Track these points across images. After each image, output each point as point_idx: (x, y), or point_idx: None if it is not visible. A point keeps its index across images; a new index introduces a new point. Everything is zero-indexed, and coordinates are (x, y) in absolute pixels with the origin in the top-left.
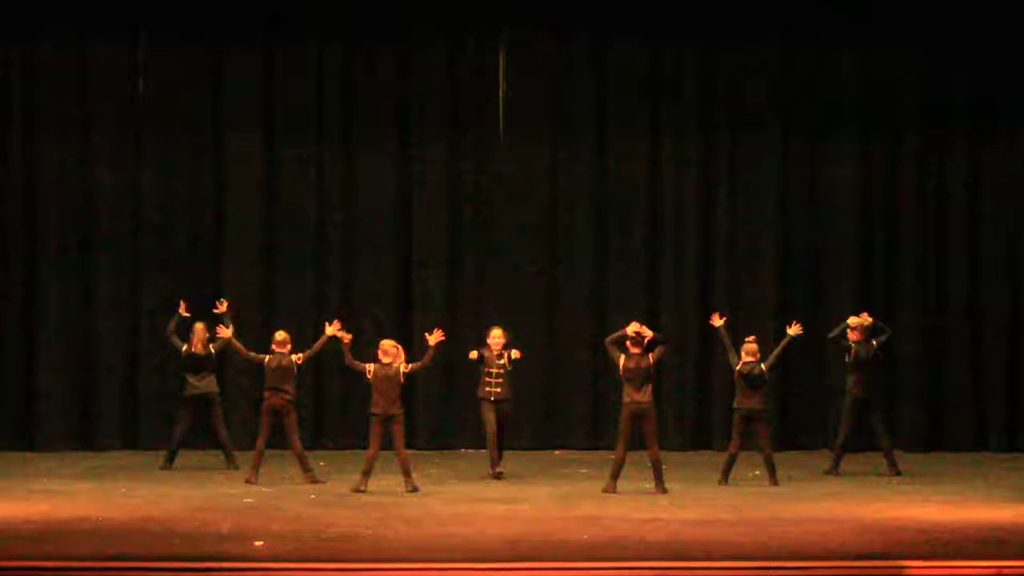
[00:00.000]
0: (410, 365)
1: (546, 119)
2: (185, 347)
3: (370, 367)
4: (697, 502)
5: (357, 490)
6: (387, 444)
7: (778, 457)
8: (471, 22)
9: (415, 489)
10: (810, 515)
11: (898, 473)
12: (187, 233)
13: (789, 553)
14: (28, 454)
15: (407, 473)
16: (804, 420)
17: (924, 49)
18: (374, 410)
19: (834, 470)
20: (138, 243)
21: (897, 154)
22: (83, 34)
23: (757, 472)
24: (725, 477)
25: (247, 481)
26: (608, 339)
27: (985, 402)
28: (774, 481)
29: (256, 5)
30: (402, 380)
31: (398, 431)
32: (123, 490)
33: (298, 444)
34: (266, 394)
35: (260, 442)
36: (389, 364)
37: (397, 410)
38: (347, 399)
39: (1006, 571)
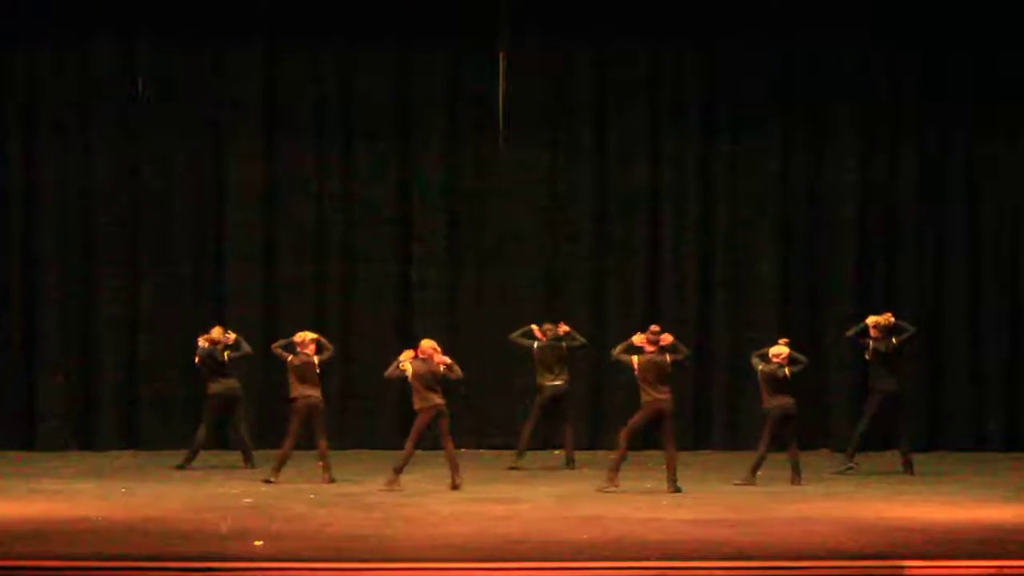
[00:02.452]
0: (446, 370)
1: (546, 119)
2: (213, 340)
3: (408, 369)
4: (697, 502)
5: (392, 484)
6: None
7: (777, 457)
8: (471, 22)
9: (456, 487)
10: (810, 515)
11: (911, 473)
12: (187, 233)
13: (789, 553)
14: (28, 454)
15: (455, 468)
16: (804, 420)
17: (924, 49)
18: (416, 406)
19: (851, 464)
20: (138, 243)
21: (897, 154)
22: (83, 34)
23: (759, 473)
24: (753, 475)
25: (265, 481)
26: (615, 352)
27: (985, 402)
28: (798, 480)
29: (256, 5)
30: (439, 375)
31: (446, 425)
32: (123, 490)
33: (323, 444)
34: (292, 396)
35: (288, 443)
36: (427, 360)
37: (442, 401)
38: (347, 399)
39: (1006, 571)
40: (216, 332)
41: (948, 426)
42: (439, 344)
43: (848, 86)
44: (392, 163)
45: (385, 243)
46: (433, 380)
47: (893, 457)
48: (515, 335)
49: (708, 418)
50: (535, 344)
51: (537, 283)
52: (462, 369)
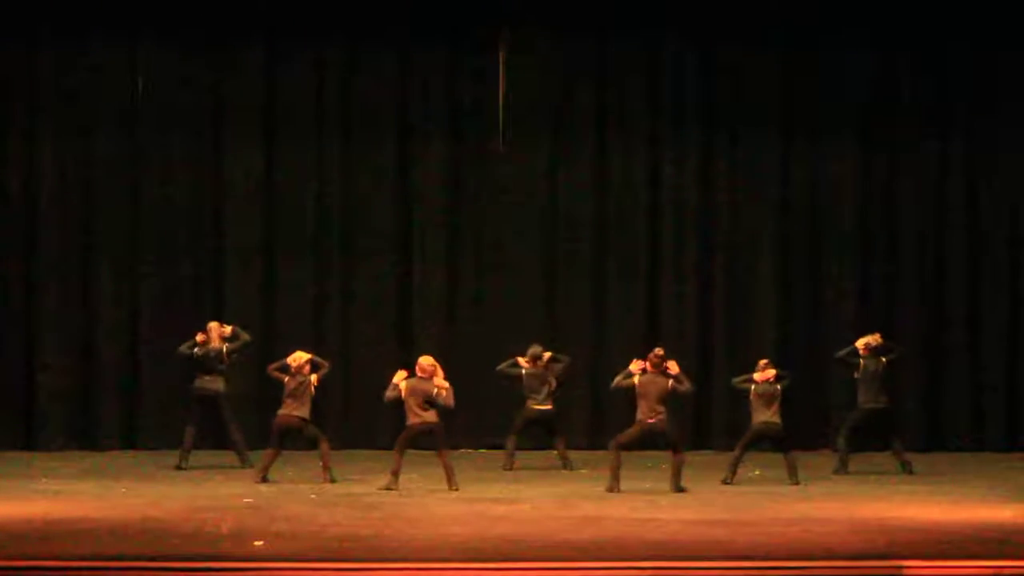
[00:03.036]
0: (440, 393)
1: (546, 119)
2: (200, 341)
3: (402, 387)
4: (697, 502)
5: (388, 488)
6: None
7: (779, 457)
8: (471, 22)
9: (456, 488)
10: (810, 515)
11: (911, 472)
12: (187, 233)
13: (788, 553)
14: (28, 454)
15: (450, 473)
16: (804, 420)
17: (923, 49)
18: (408, 422)
19: (842, 469)
20: (138, 243)
21: (897, 154)
22: (83, 34)
23: (758, 472)
24: (731, 475)
25: (262, 480)
26: (613, 383)
27: (985, 402)
28: (795, 480)
29: (256, 5)
30: (432, 397)
31: (439, 438)
32: (123, 490)
33: (325, 446)
34: (281, 411)
35: (270, 452)
36: (427, 380)
37: (433, 419)
38: (347, 399)
39: (1006, 571)
40: (212, 331)
41: (948, 426)
42: (443, 345)
43: (848, 86)
44: (392, 163)
45: (385, 244)
46: (426, 398)
47: (891, 459)
48: (502, 367)
49: (708, 419)
50: (523, 372)
51: (536, 284)
52: (461, 368)
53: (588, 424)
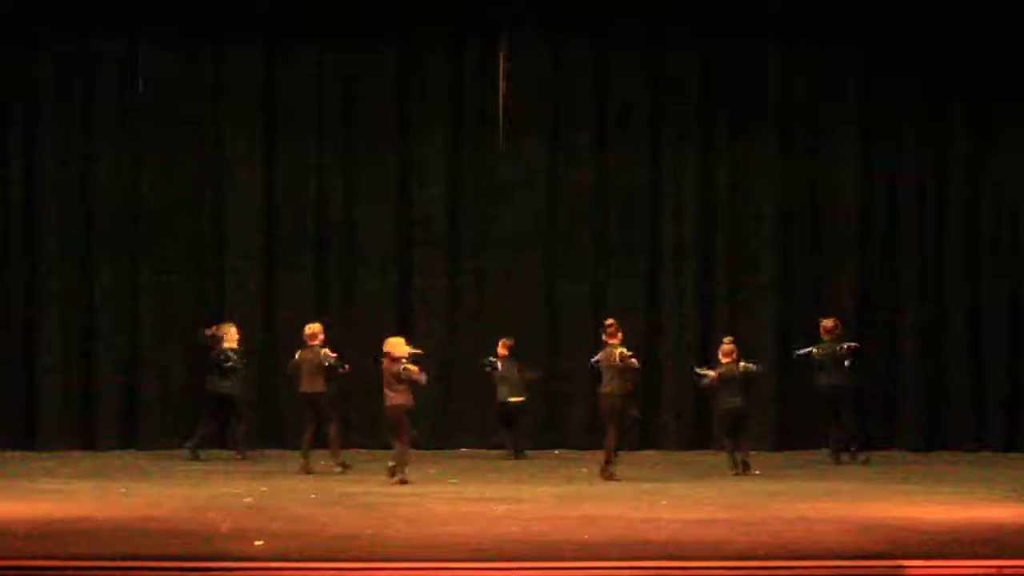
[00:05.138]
0: (409, 367)
1: (546, 119)
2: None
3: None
4: (697, 502)
5: (402, 482)
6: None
7: (779, 457)
8: (471, 22)
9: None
10: (810, 515)
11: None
12: (187, 233)
13: (789, 553)
14: (28, 454)
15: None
16: (804, 421)
17: (924, 49)
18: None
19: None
20: (138, 243)
21: (897, 154)
22: (83, 34)
23: (757, 472)
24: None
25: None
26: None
27: (985, 402)
28: (742, 472)
29: (256, 5)
30: (397, 373)
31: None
32: (123, 490)
33: (307, 437)
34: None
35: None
36: (392, 359)
37: (397, 398)
38: (347, 399)
39: (1006, 571)
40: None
41: (948, 426)
42: (443, 345)
43: (848, 86)
44: (392, 163)
45: (385, 243)
46: (392, 378)
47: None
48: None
49: (708, 419)
50: (499, 362)
51: (536, 284)
52: (461, 367)
53: (587, 424)
